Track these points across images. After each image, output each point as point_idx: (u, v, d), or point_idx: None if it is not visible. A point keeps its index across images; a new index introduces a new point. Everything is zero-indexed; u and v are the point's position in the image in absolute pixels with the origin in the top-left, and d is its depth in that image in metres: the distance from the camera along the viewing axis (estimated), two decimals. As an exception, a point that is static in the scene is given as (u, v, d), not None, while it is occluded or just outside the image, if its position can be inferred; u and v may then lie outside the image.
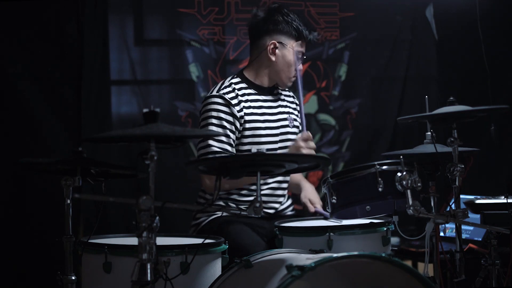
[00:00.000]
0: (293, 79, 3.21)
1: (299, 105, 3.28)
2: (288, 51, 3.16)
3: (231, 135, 3.09)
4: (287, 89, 3.36)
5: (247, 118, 3.13)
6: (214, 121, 3.08)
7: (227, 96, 3.11)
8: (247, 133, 3.13)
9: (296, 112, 3.35)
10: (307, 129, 3.14)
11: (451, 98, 2.67)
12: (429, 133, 2.82)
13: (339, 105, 4.74)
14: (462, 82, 4.70)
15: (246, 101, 3.15)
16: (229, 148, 3.07)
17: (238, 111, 3.11)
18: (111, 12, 4.26)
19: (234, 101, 3.11)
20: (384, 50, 4.82)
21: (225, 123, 3.08)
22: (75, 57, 4.07)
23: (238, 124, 3.11)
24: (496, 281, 2.85)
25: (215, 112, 3.09)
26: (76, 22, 4.06)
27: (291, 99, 3.36)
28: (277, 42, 3.16)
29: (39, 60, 4.02)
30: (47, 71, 4.04)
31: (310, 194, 3.29)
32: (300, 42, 3.18)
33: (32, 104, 3.99)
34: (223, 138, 3.06)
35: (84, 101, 4.09)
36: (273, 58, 3.17)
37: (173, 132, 2.18)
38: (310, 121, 4.64)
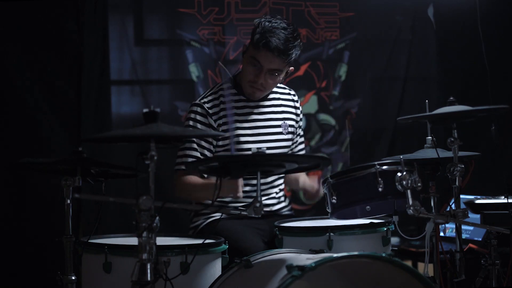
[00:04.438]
0: (259, 88, 3.07)
1: None
2: (246, 56, 3.08)
3: (206, 145, 3.07)
4: (288, 89, 3.32)
5: (225, 127, 3.09)
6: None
7: (207, 105, 3.09)
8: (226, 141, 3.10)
9: (293, 116, 3.26)
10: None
11: (451, 98, 2.67)
12: (430, 137, 2.82)
13: (339, 105, 4.74)
14: (462, 82, 4.70)
15: (232, 108, 3.12)
16: (207, 153, 3.07)
17: (216, 120, 3.09)
18: (111, 12, 4.26)
19: (213, 110, 3.09)
20: (384, 50, 4.82)
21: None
22: (75, 57, 4.07)
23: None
24: (496, 281, 2.85)
25: (192, 122, 3.09)
26: (76, 22, 4.06)
27: (291, 103, 3.27)
28: (245, 47, 3.12)
29: (39, 60, 4.02)
30: (47, 71, 4.04)
31: (306, 179, 3.28)
32: (257, 50, 3.00)
33: (32, 104, 3.99)
34: (197, 147, 3.06)
35: (84, 101, 4.08)
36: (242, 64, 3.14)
37: (173, 132, 2.18)
38: (310, 121, 4.64)
